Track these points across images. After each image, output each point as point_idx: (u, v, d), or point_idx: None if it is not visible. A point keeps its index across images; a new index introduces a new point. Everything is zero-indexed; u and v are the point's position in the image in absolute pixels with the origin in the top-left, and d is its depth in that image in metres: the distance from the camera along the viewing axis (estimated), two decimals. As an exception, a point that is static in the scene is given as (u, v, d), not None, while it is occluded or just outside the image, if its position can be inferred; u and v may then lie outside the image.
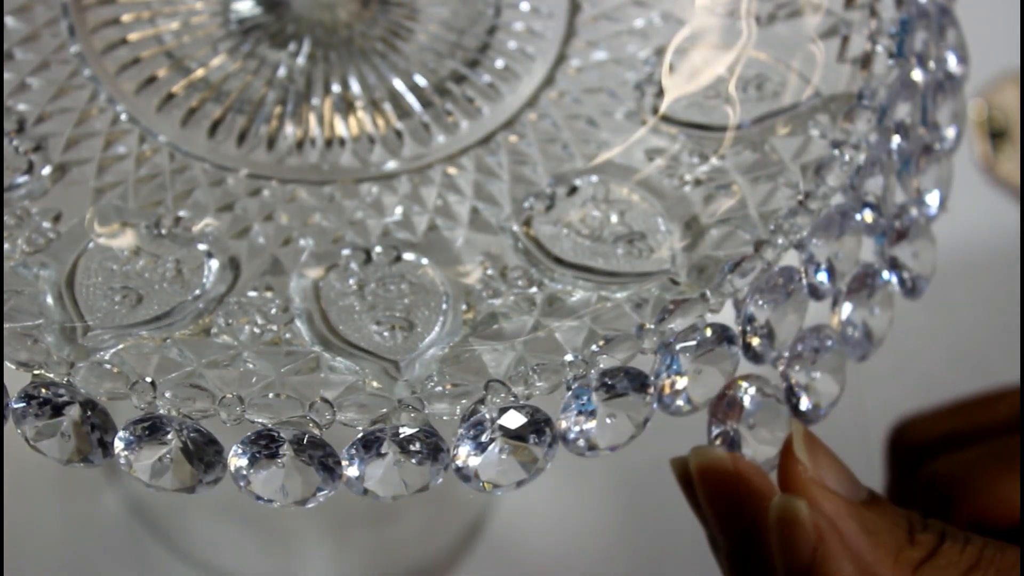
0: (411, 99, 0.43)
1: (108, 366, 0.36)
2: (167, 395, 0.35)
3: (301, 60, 0.44)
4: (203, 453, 0.36)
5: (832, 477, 0.40)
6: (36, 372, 0.36)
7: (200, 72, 0.43)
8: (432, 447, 0.36)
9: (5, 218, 0.39)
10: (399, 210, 0.41)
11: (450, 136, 0.43)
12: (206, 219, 0.40)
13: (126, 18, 0.44)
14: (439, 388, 0.36)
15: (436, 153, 0.42)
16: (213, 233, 0.40)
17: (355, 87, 0.44)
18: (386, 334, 0.38)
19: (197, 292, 0.39)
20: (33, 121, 0.42)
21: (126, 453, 0.36)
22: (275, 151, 0.42)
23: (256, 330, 0.38)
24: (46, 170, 0.41)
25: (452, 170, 0.42)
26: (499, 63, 0.44)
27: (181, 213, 0.41)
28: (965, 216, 0.58)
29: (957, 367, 0.56)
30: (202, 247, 0.40)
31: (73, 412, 0.36)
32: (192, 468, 0.36)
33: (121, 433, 0.36)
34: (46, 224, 0.40)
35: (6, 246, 0.39)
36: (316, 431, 0.35)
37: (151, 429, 0.35)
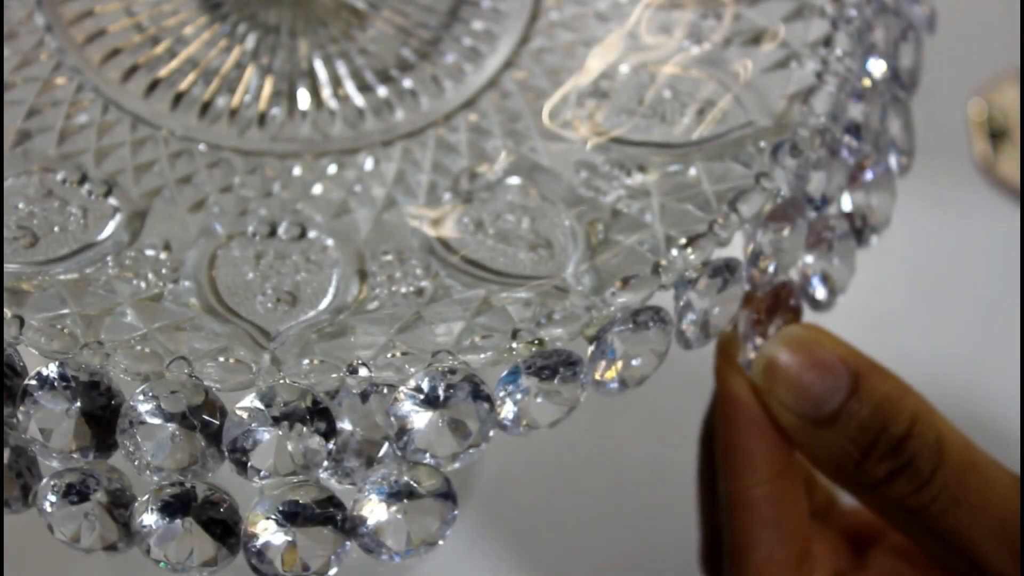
0: (407, 81, 0.44)
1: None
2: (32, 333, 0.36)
3: (295, 53, 0.44)
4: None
5: (791, 396, 0.40)
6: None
7: (181, 49, 0.44)
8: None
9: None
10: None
11: (414, 114, 0.43)
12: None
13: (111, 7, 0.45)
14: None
15: (400, 129, 0.43)
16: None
17: (343, 69, 0.44)
18: (270, 305, 0.38)
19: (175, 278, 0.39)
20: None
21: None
22: (266, 129, 0.43)
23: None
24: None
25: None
26: (464, 48, 0.44)
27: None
28: (965, 216, 0.58)
29: (957, 368, 0.56)
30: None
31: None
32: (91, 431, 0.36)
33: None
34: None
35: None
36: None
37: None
